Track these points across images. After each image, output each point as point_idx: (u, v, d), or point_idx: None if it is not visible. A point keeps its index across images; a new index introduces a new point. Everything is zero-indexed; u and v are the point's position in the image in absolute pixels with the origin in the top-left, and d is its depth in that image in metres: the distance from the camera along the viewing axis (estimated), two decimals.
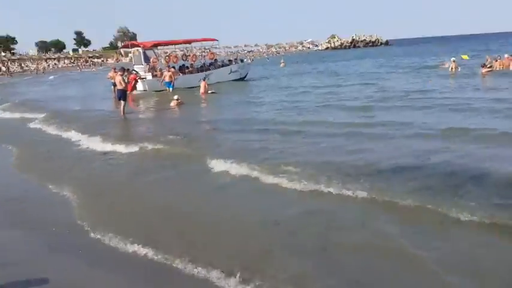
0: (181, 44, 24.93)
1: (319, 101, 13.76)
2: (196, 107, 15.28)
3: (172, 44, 24.74)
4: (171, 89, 20.48)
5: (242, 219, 4.57)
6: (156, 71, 22.28)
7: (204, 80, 18.99)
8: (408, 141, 7.29)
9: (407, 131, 8.09)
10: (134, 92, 20.65)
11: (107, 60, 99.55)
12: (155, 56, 22.58)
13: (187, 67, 23.78)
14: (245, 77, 27.17)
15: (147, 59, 22.31)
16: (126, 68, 17.07)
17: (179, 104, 15.70)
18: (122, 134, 10.31)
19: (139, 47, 22.15)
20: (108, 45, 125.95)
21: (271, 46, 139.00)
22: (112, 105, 17.79)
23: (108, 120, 12.73)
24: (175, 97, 15.99)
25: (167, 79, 20.58)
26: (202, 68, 24.27)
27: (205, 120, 11.51)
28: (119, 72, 14.32)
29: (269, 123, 10.02)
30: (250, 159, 6.49)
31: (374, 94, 14.38)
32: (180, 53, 24.77)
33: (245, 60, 29.14)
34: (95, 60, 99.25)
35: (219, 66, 25.19)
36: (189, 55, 24.19)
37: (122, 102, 13.97)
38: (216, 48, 29.06)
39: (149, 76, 21.83)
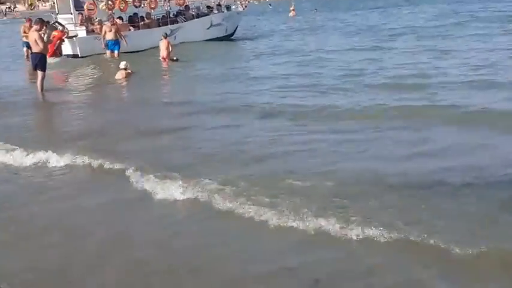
0: None
1: (350, 74, 13.66)
2: (153, 82, 15.23)
3: None
4: (116, 52, 20.47)
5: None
6: (92, 24, 22.22)
7: (165, 38, 18.85)
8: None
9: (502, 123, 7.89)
10: (58, 57, 20.72)
11: (14, 7, 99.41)
12: (92, 1, 22.49)
13: (142, 17, 23.80)
14: (233, 33, 27.19)
15: (79, 4, 22.31)
16: (45, 19, 16.92)
17: (128, 76, 15.80)
18: (32, 132, 9.75)
19: None
20: None
21: None
22: (24, 77, 17.74)
23: (15, 104, 12.49)
24: (123, 65, 16.08)
25: (110, 37, 20.55)
26: (165, 20, 24.31)
27: (164, 106, 11.32)
28: (35, 27, 13.98)
29: (265, 112, 9.79)
30: (236, 176, 6.26)
31: (438, 63, 14.37)
32: None
33: (233, 7, 29.10)
34: None
35: (192, 17, 25.23)
36: None
37: (40, 73, 14.01)
38: None
39: (82, 32, 21.80)
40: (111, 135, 8.77)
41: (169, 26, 23.68)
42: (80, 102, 12.61)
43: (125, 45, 21.29)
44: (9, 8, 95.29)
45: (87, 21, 22.09)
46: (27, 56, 21.26)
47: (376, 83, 12.13)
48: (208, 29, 25.28)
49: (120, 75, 15.94)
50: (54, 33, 21.12)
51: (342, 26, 30.30)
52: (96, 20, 22.06)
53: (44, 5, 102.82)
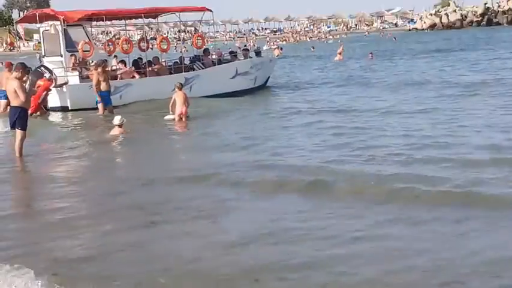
0: (139, 16, 25.97)
1: (421, 145, 13.04)
2: (158, 147, 15.41)
3: (120, 17, 25.68)
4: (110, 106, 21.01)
5: None
6: (87, 69, 23.05)
7: (181, 89, 19.33)
8: None
9: None
10: (43, 113, 21.34)
11: None
12: (88, 39, 23.36)
13: (150, 62, 24.60)
14: (263, 85, 27.76)
15: (71, 44, 23.16)
16: (28, 65, 17.53)
17: (123, 133, 16.21)
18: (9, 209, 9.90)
19: (57, 19, 22.94)
20: None
21: (318, 21, 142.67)
22: None
23: None
24: (117, 120, 16.43)
25: (102, 87, 21.04)
26: (179, 66, 25.06)
27: (174, 183, 11.01)
28: (15, 74, 14.20)
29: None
30: None
31: None
32: (135, 34, 25.52)
33: (264, 49, 29.84)
34: None
35: (212, 64, 25.91)
36: (155, 38, 24.93)
37: (19, 132, 14.23)
38: (207, 24, 29.94)
39: (74, 78, 22.55)
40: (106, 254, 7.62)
41: (183, 73, 24.41)
42: (65, 174, 12.58)
43: (125, 96, 22.28)
44: None
45: (80, 65, 22.96)
46: (5, 109, 21.99)
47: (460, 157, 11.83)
48: (232, 78, 25.91)
49: (115, 131, 16.32)
50: (40, 82, 21.84)
51: (404, 76, 30.64)
52: (92, 63, 22.89)
53: (26, 45, 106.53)
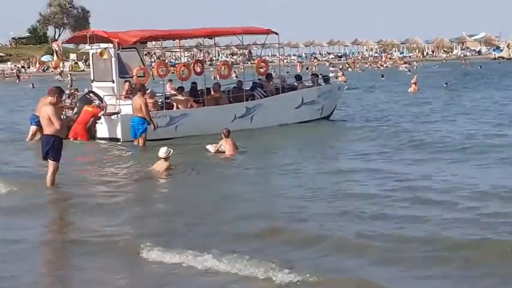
0: (197, 37, 27.32)
1: None
2: (209, 187, 15.56)
3: (174, 38, 26.67)
4: (142, 135, 21.62)
5: None
6: (143, 96, 23.79)
7: (227, 135, 19.70)
8: None
9: None
10: (88, 142, 22.21)
11: (24, 68, 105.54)
12: (142, 64, 24.30)
13: (208, 89, 25.40)
14: (329, 116, 28.35)
15: (124, 70, 24.11)
16: (72, 88, 18.15)
17: (168, 171, 16.64)
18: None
19: (110, 42, 23.73)
20: (28, 35, 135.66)
21: (390, 45, 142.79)
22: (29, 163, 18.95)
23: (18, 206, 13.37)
24: (163, 153, 16.70)
25: (139, 112, 21.58)
26: (239, 93, 25.76)
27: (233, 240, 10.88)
28: (49, 99, 14.44)
29: None
30: None
31: None
32: (182, 56, 26.23)
33: (332, 77, 30.42)
34: None
35: (275, 92, 26.51)
36: (213, 62, 25.73)
37: (52, 164, 14.58)
38: (272, 47, 30.80)
39: (127, 108, 23.12)
40: None
41: (244, 102, 25.18)
42: (97, 207, 13.30)
43: (180, 128, 23.19)
44: (17, 68, 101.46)
45: (134, 93, 23.42)
46: (31, 137, 23.05)
47: None
48: (297, 108, 26.54)
49: (160, 166, 16.71)
50: (87, 108, 23.04)
51: (490, 110, 30.61)
52: (148, 91, 23.75)
53: (62, 65, 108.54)
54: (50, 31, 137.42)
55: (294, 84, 28.04)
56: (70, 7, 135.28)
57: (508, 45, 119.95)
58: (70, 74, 75.23)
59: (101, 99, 23.46)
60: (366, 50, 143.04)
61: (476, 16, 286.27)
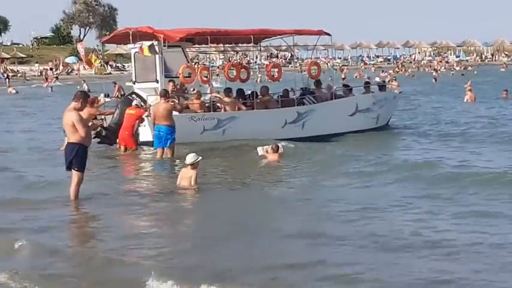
0: (247, 38, 27.48)
1: None
2: (244, 196, 16.31)
3: (227, 39, 27.38)
4: (164, 148, 21.53)
5: None
6: (186, 99, 24.74)
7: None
8: None
9: None
10: (134, 148, 23.02)
11: (52, 70, 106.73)
12: (187, 62, 25.04)
13: (256, 93, 26.06)
14: (386, 124, 28.98)
15: (166, 68, 24.76)
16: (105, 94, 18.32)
17: (195, 183, 16.34)
18: None
19: (155, 39, 24.28)
20: (51, 35, 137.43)
21: (445, 48, 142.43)
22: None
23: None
24: (191, 159, 16.43)
25: (164, 120, 21.39)
26: (289, 99, 26.45)
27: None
28: (74, 104, 14.45)
29: None
30: None
31: None
32: (217, 59, 26.77)
33: (388, 84, 30.85)
34: (17, 68, 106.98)
35: (326, 98, 27.04)
36: (262, 65, 26.31)
37: (75, 174, 14.61)
38: (325, 49, 31.25)
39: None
40: None
41: (296, 107, 25.77)
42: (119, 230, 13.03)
43: (227, 131, 23.82)
44: (51, 69, 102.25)
45: (179, 93, 24.35)
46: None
47: None
48: (351, 115, 26.96)
49: (186, 175, 16.48)
50: (130, 111, 23.40)
51: None
52: (194, 91, 24.41)
53: (87, 67, 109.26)
54: (75, 31, 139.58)
55: (343, 94, 28.32)
56: (96, 5, 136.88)
57: None
58: (84, 81, 76.09)
59: (144, 100, 23.86)
60: (419, 52, 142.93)
61: None
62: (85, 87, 62.42)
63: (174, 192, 16.44)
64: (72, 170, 14.62)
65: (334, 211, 14.01)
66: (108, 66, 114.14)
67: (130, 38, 24.64)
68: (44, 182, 17.68)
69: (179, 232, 13.18)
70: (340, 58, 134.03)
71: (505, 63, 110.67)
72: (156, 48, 23.95)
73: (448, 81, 69.34)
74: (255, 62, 55.59)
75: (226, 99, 24.90)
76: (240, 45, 29.83)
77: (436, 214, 13.27)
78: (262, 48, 35.65)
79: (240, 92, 26.09)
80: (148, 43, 24.22)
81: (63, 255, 11.10)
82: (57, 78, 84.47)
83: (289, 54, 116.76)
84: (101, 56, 34.24)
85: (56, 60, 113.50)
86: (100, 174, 19.35)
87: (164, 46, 24.05)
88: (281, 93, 27.20)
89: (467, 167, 18.74)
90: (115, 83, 47.75)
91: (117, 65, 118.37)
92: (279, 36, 28.66)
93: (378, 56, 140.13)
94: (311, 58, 32.40)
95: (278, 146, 20.74)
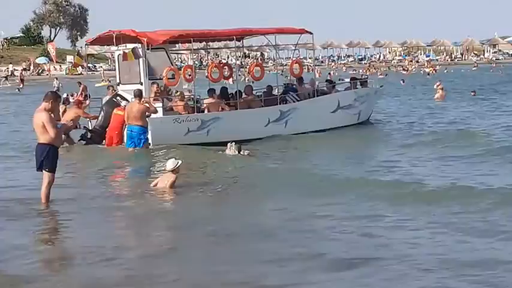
0: (230, 38, 28.05)
1: None
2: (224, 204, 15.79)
3: (209, 39, 28.05)
4: (138, 147, 22.18)
5: None
6: (171, 100, 25.06)
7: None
8: None
9: None
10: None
11: (26, 71, 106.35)
12: (171, 65, 25.39)
13: (240, 92, 26.37)
14: (368, 118, 29.73)
15: (151, 70, 25.08)
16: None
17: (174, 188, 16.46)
18: None
19: (139, 41, 24.57)
20: (21, 35, 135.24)
21: (415, 48, 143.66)
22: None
23: None
24: (171, 165, 16.50)
25: (137, 120, 21.98)
26: (271, 97, 26.83)
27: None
28: (44, 104, 14.28)
29: None
30: None
31: None
32: (188, 59, 26.96)
33: (370, 81, 31.58)
34: None
35: (308, 95, 27.69)
36: (244, 64, 26.76)
37: (46, 175, 14.51)
38: (287, 49, 31.67)
39: (158, 110, 24.02)
40: None
41: (278, 106, 26.20)
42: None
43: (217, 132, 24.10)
44: (24, 69, 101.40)
45: (163, 95, 24.66)
46: None
47: None
48: (333, 112, 27.53)
49: (166, 179, 16.49)
50: (118, 112, 23.70)
51: None
52: (177, 93, 24.92)
53: (58, 67, 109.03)
54: (45, 31, 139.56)
55: (326, 90, 28.99)
56: (67, 5, 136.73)
57: None
58: (56, 79, 75.90)
59: (128, 102, 24.00)
60: (389, 52, 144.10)
61: (509, 16, 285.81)
62: (55, 86, 62.36)
63: (149, 194, 16.40)
64: (43, 171, 14.56)
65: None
66: (79, 66, 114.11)
67: (114, 40, 24.80)
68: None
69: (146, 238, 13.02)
70: (311, 58, 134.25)
71: (476, 63, 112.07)
72: (140, 51, 24.08)
73: (418, 81, 70.04)
74: (226, 62, 56.34)
75: (210, 99, 25.29)
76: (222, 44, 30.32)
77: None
78: (234, 48, 36.00)
79: (224, 91, 26.43)
80: (132, 46, 24.38)
81: None
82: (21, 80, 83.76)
83: (260, 54, 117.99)
84: (84, 56, 34.27)
85: (27, 61, 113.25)
86: (69, 175, 19.23)
87: (148, 49, 24.26)
88: (265, 90, 27.59)
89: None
90: (80, 83, 48.40)
91: (89, 65, 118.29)
92: (261, 35, 29.16)
93: (348, 56, 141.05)
94: (291, 57, 32.88)
95: (240, 147, 21.13)
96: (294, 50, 33.58)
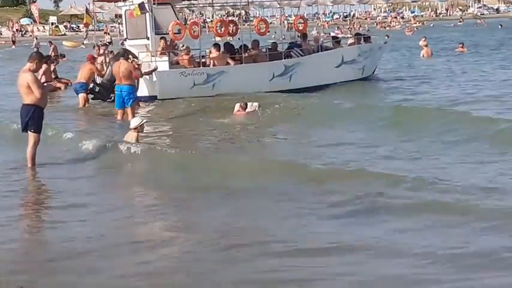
0: None
1: None
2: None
3: None
4: (125, 108, 21.50)
5: None
6: (176, 55, 25.56)
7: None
8: None
9: None
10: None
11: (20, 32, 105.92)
12: (177, 20, 25.70)
13: (246, 46, 26.77)
14: (372, 73, 30.20)
15: (157, 25, 25.37)
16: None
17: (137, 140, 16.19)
18: None
19: None
20: None
21: (400, 4, 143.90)
22: None
23: None
24: (135, 123, 16.21)
25: (125, 80, 21.16)
26: (276, 52, 27.37)
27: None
28: (29, 65, 14.13)
29: None
30: None
31: None
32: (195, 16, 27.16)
33: (374, 37, 32.09)
34: None
35: (313, 51, 28.07)
36: (249, 18, 27.16)
37: (32, 136, 14.36)
38: (272, 7, 32.40)
39: (164, 64, 24.80)
40: None
41: (283, 60, 26.72)
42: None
43: (218, 86, 24.79)
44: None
45: (169, 49, 25.21)
46: (83, 104, 24.45)
47: None
48: (337, 67, 28.02)
49: (129, 138, 16.23)
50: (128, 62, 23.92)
51: None
52: (183, 47, 25.37)
53: (41, 29, 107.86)
54: None
55: (331, 46, 29.54)
56: None
57: None
58: (36, 38, 75.73)
59: (135, 57, 24.34)
60: (374, 9, 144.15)
61: None
62: (34, 45, 61.75)
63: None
64: (29, 132, 14.43)
65: None
66: (63, 26, 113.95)
67: None
68: None
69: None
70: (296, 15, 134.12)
71: (461, 18, 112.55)
72: (146, 6, 24.39)
73: (403, 37, 70.30)
74: (211, 21, 56.51)
75: (215, 54, 25.59)
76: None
77: None
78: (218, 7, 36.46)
79: (228, 46, 26.81)
80: (138, 1, 24.53)
81: None
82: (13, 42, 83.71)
83: (245, 12, 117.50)
84: (92, 14, 34.43)
85: (10, 22, 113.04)
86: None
87: (154, 4, 24.69)
88: (270, 47, 28.04)
89: None
90: (50, 43, 49.07)
91: (72, 25, 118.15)
92: None
93: (333, 13, 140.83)
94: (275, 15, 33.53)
95: (247, 104, 21.37)
96: (299, 7, 33.83)
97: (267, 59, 26.70)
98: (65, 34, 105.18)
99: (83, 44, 73.58)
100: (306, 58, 27.22)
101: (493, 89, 26.05)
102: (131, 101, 21.34)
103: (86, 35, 78.67)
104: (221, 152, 16.66)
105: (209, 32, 28.64)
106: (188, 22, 32.06)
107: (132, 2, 25.25)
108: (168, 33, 25.04)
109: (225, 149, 17.22)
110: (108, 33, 68.16)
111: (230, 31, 27.88)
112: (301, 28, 28.63)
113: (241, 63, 26.01)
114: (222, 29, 27.09)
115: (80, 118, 23.52)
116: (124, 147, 15.65)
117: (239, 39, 27.89)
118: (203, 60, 25.88)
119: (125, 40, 26.63)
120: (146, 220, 11.12)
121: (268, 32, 29.06)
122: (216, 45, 26.07)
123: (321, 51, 28.11)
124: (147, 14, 24.81)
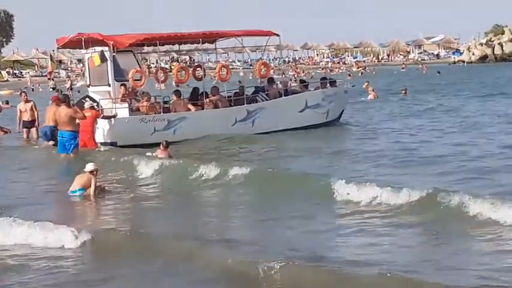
0: (196, 41, 28.31)
1: None
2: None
3: (175, 42, 28.48)
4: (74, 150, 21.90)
5: None
6: (138, 100, 25.46)
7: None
8: None
9: None
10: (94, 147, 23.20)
11: None
12: (138, 67, 25.73)
13: (207, 93, 26.73)
14: (338, 118, 30.21)
15: (120, 72, 25.39)
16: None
17: (101, 192, 16.94)
18: None
19: (106, 45, 24.99)
20: None
21: (342, 49, 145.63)
22: None
23: None
24: (90, 168, 16.81)
25: (66, 126, 21.89)
26: (240, 98, 27.34)
27: None
28: None
29: None
30: None
31: None
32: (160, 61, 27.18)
33: (340, 81, 32.32)
34: None
35: (279, 95, 28.13)
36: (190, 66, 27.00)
37: None
38: (272, 50, 31.88)
39: (123, 111, 24.74)
40: None
41: (245, 105, 26.66)
42: None
43: (179, 131, 24.58)
44: None
45: (130, 96, 25.16)
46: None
47: None
48: (301, 112, 27.97)
49: (82, 178, 16.86)
50: (87, 113, 23.47)
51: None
52: (143, 94, 25.28)
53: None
54: None
55: (298, 90, 29.49)
56: None
57: (468, 48, 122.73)
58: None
59: (97, 103, 24.43)
60: (317, 54, 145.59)
61: (434, 17, 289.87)
62: None
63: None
64: None
65: None
66: (5, 72, 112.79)
67: (83, 43, 25.41)
68: None
69: None
70: (240, 61, 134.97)
71: (404, 63, 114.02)
72: (106, 54, 24.65)
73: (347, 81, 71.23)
74: (155, 66, 56.86)
75: (176, 100, 25.70)
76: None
77: None
78: (162, 53, 36.46)
79: (194, 92, 26.90)
80: (99, 50, 24.91)
81: None
82: None
83: (189, 58, 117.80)
84: (56, 61, 34.47)
85: None
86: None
87: (114, 52, 24.80)
88: (237, 91, 28.23)
89: None
90: None
91: (15, 71, 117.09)
92: (230, 38, 29.72)
93: (276, 58, 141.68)
94: (260, 59, 33.49)
95: (168, 143, 21.16)
96: (263, 51, 33.93)
97: (229, 104, 26.75)
98: (7, 80, 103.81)
99: (52, 88, 73.15)
100: (270, 103, 27.34)
101: None
102: (72, 146, 21.86)
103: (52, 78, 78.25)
104: None
105: (150, 77, 28.26)
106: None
107: (94, 49, 25.36)
108: (128, 80, 25.03)
109: None
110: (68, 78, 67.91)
111: (197, 76, 28.26)
112: (263, 73, 28.42)
113: (203, 109, 26.03)
114: (183, 74, 26.95)
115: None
116: None
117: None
118: (166, 106, 25.87)
119: (88, 86, 26.55)
120: None
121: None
122: (177, 92, 26.14)
123: (288, 95, 28.20)
124: (108, 61, 24.90)
